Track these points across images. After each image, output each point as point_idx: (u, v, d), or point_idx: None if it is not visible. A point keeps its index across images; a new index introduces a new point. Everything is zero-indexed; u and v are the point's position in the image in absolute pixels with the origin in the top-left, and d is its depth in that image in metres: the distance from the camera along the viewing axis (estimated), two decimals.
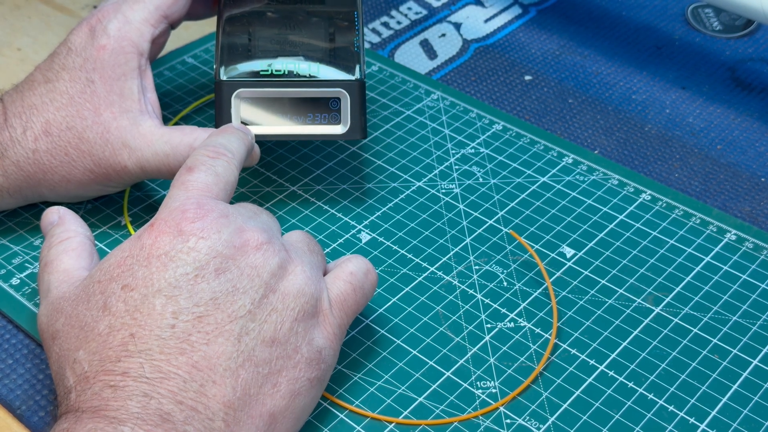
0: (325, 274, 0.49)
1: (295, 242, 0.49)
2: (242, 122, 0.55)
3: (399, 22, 0.75)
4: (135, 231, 0.56)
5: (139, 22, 0.56)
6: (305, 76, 0.55)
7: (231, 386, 0.42)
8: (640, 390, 0.49)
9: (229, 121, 0.55)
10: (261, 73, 0.55)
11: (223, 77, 0.55)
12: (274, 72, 0.55)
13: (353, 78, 0.55)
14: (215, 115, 0.55)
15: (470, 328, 0.52)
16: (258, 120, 0.55)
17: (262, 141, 0.56)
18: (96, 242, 0.56)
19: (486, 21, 0.76)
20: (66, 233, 0.50)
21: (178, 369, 0.41)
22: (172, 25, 0.58)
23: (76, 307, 0.44)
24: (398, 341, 0.51)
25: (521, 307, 0.53)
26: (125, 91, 0.55)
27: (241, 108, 0.55)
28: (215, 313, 0.42)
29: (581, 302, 0.53)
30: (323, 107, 0.55)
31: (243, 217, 0.46)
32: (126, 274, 0.43)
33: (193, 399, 0.41)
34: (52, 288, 0.46)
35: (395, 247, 0.57)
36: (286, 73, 0.55)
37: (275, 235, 0.47)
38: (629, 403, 0.48)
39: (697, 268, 0.55)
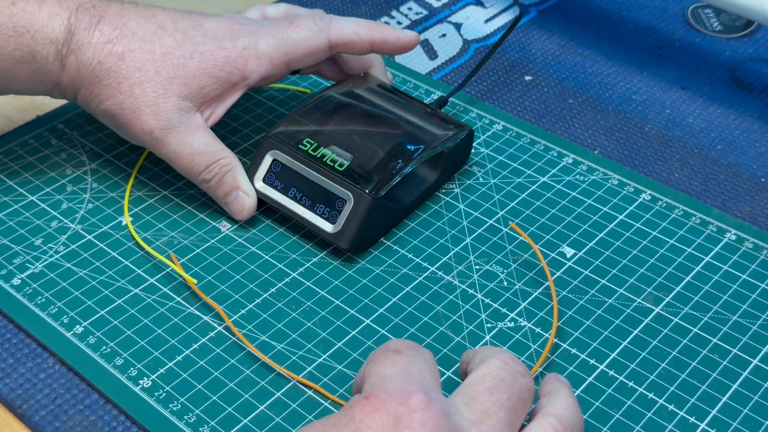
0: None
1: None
2: (264, 179, 0.57)
3: (399, 23, 0.76)
4: (136, 232, 0.57)
5: (263, 55, 0.57)
6: (332, 167, 0.55)
7: None
8: (641, 389, 0.49)
9: (257, 168, 0.57)
10: (301, 147, 0.57)
11: (272, 133, 0.57)
12: (311, 151, 0.56)
13: (366, 191, 0.55)
14: (251, 160, 0.58)
15: (470, 327, 0.52)
16: (277, 183, 0.57)
17: (264, 200, 0.58)
18: (96, 242, 0.56)
19: (486, 21, 0.76)
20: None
21: None
22: (293, 72, 0.61)
23: None
24: None
25: (521, 306, 0.53)
26: (206, 88, 0.56)
27: (270, 166, 0.57)
28: None
29: (581, 302, 0.53)
30: (330, 202, 0.55)
31: (465, 420, 0.41)
32: None
33: None
34: None
35: (395, 247, 0.57)
36: (320, 156, 0.56)
37: None
38: (629, 402, 0.48)
39: (697, 268, 0.55)
